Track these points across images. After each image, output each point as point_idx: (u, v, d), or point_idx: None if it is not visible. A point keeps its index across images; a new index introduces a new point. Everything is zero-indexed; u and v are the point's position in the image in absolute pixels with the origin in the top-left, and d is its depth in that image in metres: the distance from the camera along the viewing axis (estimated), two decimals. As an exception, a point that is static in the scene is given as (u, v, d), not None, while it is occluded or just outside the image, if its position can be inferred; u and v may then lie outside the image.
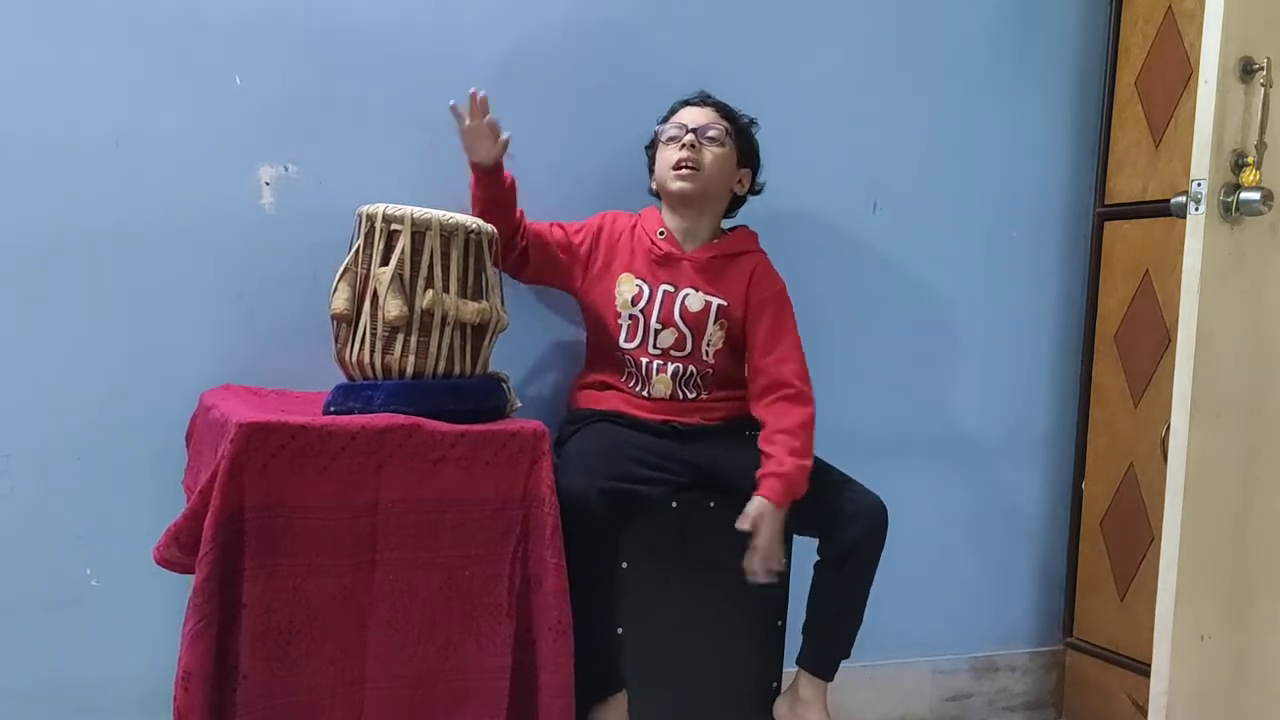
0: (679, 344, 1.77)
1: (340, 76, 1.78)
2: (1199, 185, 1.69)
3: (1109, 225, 2.30)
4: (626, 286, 1.78)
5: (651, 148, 1.85)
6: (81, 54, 1.64)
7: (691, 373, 1.78)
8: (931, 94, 2.19)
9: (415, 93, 1.82)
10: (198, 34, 1.70)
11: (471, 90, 1.66)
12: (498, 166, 1.70)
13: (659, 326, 1.77)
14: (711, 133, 1.77)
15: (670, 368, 1.77)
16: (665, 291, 1.77)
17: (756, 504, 1.63)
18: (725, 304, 1.78)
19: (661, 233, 1.80)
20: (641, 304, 1.77)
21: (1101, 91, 2.31)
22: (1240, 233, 1.73)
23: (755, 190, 1.88)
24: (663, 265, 1.79)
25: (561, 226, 1.82)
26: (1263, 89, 1.70)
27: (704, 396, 1.79)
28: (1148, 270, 2.20)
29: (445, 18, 1.84)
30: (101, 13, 1.65)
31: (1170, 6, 2.16)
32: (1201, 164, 1.69)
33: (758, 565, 1.64)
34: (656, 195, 1.85)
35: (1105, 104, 2.31)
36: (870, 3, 2.13)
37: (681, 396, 1.78)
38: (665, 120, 1.82)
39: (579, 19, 1.92)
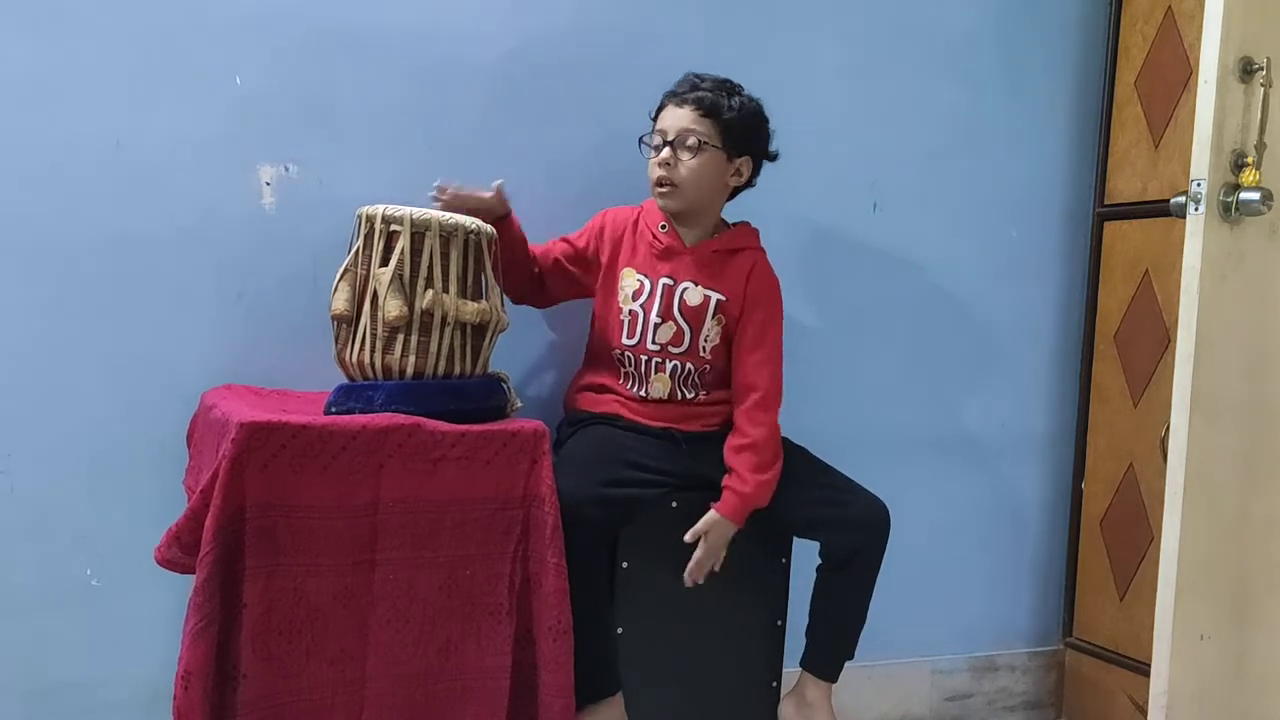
0: (677, 339, 1.75)
1: (340, 76, 1.78)
2: (1199, 185, 1.69)
3: (1109, 225, 2.30)
4: (629, 281, 1.77)
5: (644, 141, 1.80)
6: (82, 55, 1.64)
7: (690, 370, 1.76)
8: (932, 94, 2.19)
9: (416, 93, 1.82)
10: (198, 34, 1.70)
11: (435, 192, 1.64)
12: (506, 218, 1.70)
13: (658, 320, 1.74)
14: (689, 141, 1.70)
15: (669, 365, 1.75)
16: (665, 285, 1.75)
17: (709, 518, 1.66)
18: (724, 299, 1.76)
19: (663, 226, 1.77)
20: (642, 298, 1.75)
21: (1101, 91, 2.32)
22: (1240, 233, 1.73)
23: (771, 157, 1.81)
24: (664, 259, 1.77)
25: (565, 240, 1.80)
26: (1263, 89, 1.70)
27: (702, 397, 1.77)
28: (1148, 270, 2.20)
29: (446, 18, 1.84)
30: (101, 13, 1.65)
31: (1170, 6, 2.16)
32: (1201, 164, 1.69)
33: (691, 572, 1.66)
34: None
35: (1105, 104, 2.31)
36: (871, 3, 2.13)
37: (680, 397, 1.76)
38: (654, 115, 1.77)
39: (579, 20, 1.92)
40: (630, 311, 1.75)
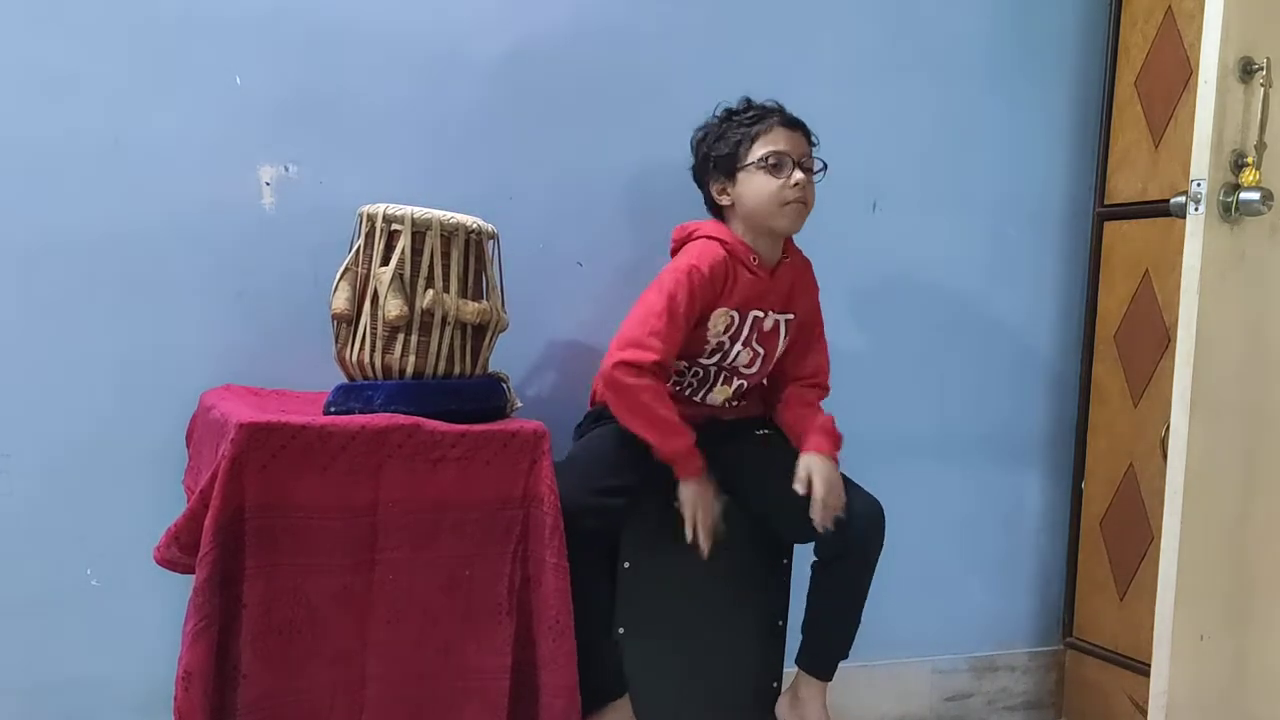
0: (751, 362, 1.78)
1: (340, 76, 1.78)
2: (1199, 185, 1.69)
3: (1109, 225, 2.30)
4: (721, 320, 1.73)
5: (729, 158, 1.72)
6: (82, 54, 1.64)
7: (751, 386, 1.81)
8: (931, 94, 2.19)
9: (416, 92, 1.83)
10: (198, 34, 1.70)
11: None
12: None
13: (740, 349, 1.76)
14: (811, 164, 1.73)
15: (736, 383, 1.79)
16: (755, 318, 1.76)
17: (804, 461, 1.68)
18: (793, 317, 1.80)
19: (754, 259, 1.74)
20: (732, 330, 1.75)
21: (1101, 91, 2.31)
22: (1240, 233, 1.73)
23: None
24: (760, 292, 1.75)
25: (682, 339, 1.69)
26: (1263, 89, 1.70)
27: (744, 402, 1.83)
28: (1147, 270, 2.20)
29: (446, 17, 1.84)
30: (101, 13, 1.65)
31: (1170, 6, 2.16)
32: (1201, 164, 1.69)
33: (818, 515, 1.66)
34: (709, 203, 1.78)
35: (1105, 104, 2.31)
36: (870, 3, 2.13)
37: (730, 405, 1.81)
38: (752, 127, 1.71)
39: (579, 21, 1.92)
40: (718, 341, 1.75)
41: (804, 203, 1.72)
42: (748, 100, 1.77)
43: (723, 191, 1.75)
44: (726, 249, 1.72)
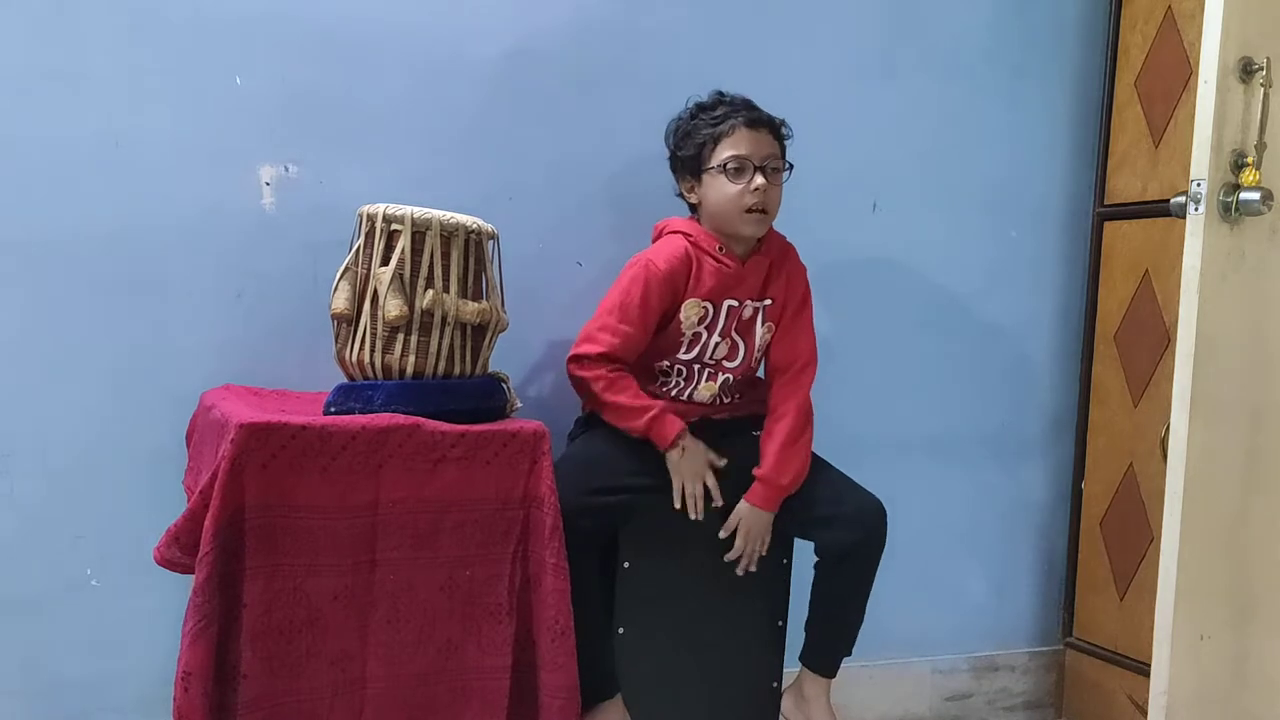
0: (731, 354, 1.77)
1: (340, 76, 1.78)
2: (1199, 185, 1.69)
3: (1109, 225, 2.30)
4: (693, 310, 1.73)
5: (693, 159, 1.72)
6: (82, 54, 1.64)
7: (738, 381, 1.79)
8: (931, 94, 2.19)
9: (416, 93, 1.83)
10: (198, 34, 1.70)
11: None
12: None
13: (717, 340, 1.75)
14: (775, 165, 1.71)
15: (720, 378, 1.77)
16: (730, 307, 1.75)
17: (738, 509, 1.71)
18: (770, 303, 1.78)
19: (720, 248, 1.73)
20: (706, 321, 1.74)
21: (1101, 91, 2.31)
22: (1240, 233, 1.73)
23: None
24: (729, 283, 1.74)
25: (630, 335, 1.69)
26: (1263, 89, 1.70)
27: (739, 398, 1.81)
28: (1147, 270, 2.20)
29: (446, 17, 1.84)
30: (102, 12, 1.65)
31: (1170, 6, 2.16)
32: (1201, 164, 1.69)
33: (736, 562, 1.72)
34: (682, 197, 1.79)
35: (1105, 104, 2.31)
36: (870, 3, 2.13)
37: (720, 402, 1.79)
38: (716, 128, 1.70)
39: (579, 21, 1.92)
40: (694, 334, 1.75)
41: (764, 210, 1.69)
42: (718, 95, 1.75)
43: (690, 190, 1.76)
44: (690, 241, 1.73)
